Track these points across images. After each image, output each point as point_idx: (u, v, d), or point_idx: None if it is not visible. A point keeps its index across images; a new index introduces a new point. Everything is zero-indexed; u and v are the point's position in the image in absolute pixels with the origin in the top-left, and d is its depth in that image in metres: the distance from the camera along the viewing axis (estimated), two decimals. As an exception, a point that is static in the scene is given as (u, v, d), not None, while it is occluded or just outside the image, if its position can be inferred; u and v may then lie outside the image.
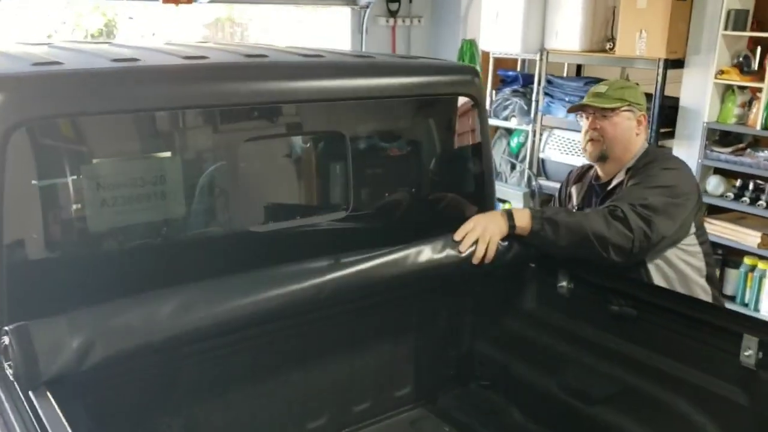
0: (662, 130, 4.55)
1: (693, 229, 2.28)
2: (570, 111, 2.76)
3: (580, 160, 4.98)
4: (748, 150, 4.22)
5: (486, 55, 5.58)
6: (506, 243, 2.08)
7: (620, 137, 2.36)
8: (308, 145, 2.02)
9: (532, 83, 5.13)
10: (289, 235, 1.89)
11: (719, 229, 4.26)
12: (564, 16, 4.85)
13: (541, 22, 5.01)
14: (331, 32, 5.80)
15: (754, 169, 4.09)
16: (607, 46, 4.74)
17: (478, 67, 5.63)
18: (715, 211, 4.39)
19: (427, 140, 2.28)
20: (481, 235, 2.01)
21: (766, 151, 4.11)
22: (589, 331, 2.16)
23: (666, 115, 4.53)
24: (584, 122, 2.43)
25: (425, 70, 2.22)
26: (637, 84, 2.72)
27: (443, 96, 2.20)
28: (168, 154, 1.73)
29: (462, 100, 2.23)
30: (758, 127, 4.04)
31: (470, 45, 5.69)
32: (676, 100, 4.53)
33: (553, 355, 2.25)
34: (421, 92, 2.14)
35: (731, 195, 4.30)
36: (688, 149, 4.40)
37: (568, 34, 4.84)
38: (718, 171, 4.42)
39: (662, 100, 4.41)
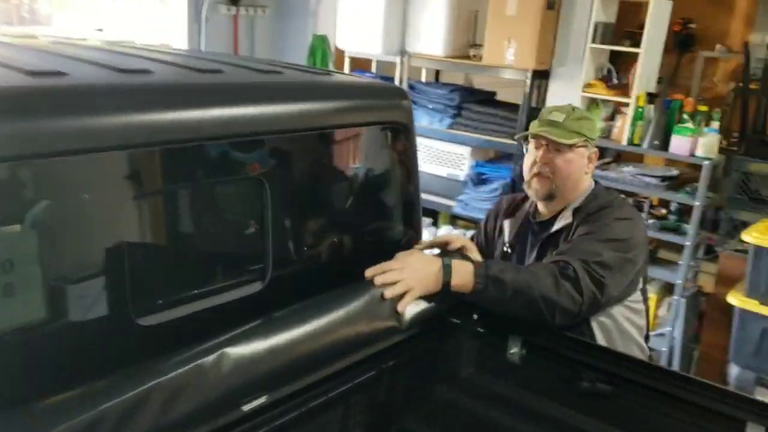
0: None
1: (640, 285, 2.07)
2: (518, 138, 2.45)
3: (445, 170, 4.87)
4: (613, 164, 4.24)
5: (340, 53, 5.17)
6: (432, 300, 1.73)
7: (572, 175, 2.08)
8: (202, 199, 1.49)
9: (392, 87, 4.78)
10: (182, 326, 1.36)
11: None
12: (427, 17, 4.56)
13: (402, 23, 4.70)
14: (161, 16, 5.05)
15: (618, 184, 4.10)
16: (471, 53, 4.55)
17: (331, 66, 5.23)
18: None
19: (351, 178, 1.81)
20: (401, 279, 1.66)
21: (630, 166, 4.15)
22: (551, 409, 1.85)
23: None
24: (531, 151, 2.11)
25: (346, 92, 1.76)
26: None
27: (369, 125, 1.77)
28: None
29: (389, 128, 1.81)
30: (624, 142, 4.06)
31: (322, 41, 5.23)
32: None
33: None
34: (342, 122, 1.69)
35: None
36: (553, 162, 4.31)
37: (431, 38, 4.56)
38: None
39: (529, 112, 4.30)
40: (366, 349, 1.55)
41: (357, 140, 1.76)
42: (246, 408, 1.29)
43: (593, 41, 4.06)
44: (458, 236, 2.16)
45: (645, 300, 2.13)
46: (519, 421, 1.89)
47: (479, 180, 4.59)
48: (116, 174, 1.22)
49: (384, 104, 1.79)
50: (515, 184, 4.30)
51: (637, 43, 3.98)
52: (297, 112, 1.55)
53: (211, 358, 1.22)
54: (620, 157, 4.37)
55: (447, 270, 1.74)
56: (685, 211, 4.02)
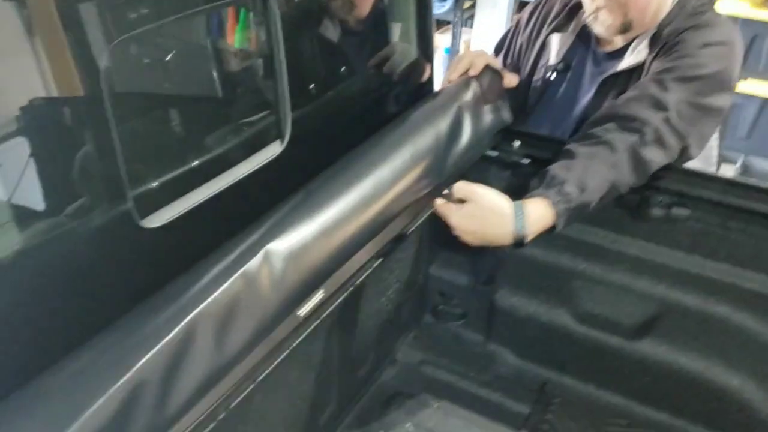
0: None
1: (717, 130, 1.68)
2: None
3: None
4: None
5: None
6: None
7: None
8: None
9: None
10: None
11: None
12: None
13: None
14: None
15: None
16: None
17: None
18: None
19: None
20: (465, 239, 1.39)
21: None
22: (616, 242, 1.70)
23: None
24: None
25: None
26: None
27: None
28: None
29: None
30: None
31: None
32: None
33: (563, 276, 1.77)
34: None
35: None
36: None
37: None
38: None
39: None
40: (413, 205, 1.37)
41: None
42: (302, 312, 1.15)
43: None
44: (478, 54, 1.66)
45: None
46: (578, 260, 1.76)
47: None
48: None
49: None
50: None
51: None
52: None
53: (256, 261, 0.99)
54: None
55: (519, 221, 1.36)
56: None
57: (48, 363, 0.82)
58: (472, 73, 1.61)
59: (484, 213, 1.38)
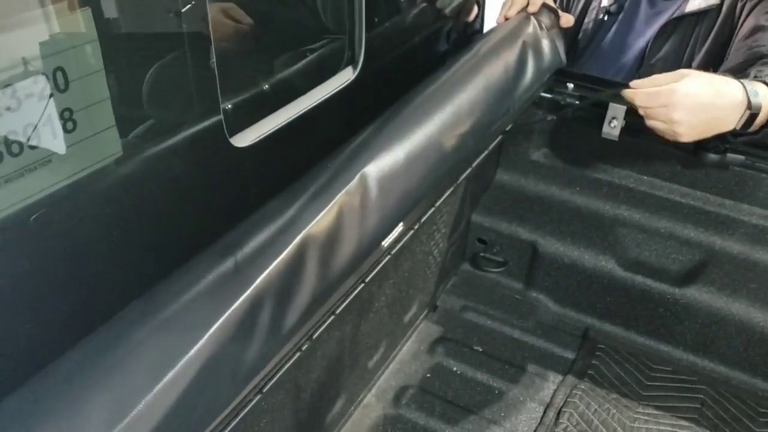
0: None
1: None
2: None
3: None
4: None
5: None
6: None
7: None
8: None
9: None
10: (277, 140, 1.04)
11: None
12: None
13: None
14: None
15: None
16: None
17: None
18: None
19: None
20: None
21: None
22: (661, 189, 1.68)
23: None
24: None
25: None
26: None
27: None
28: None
29: None
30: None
31: None
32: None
33: (607, 223, 1.76)
34: None
35: None
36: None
37: None
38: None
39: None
40: (491, 128, 1.33)
41: None
42: (386, 243, 1.11)
43: None
44: None
45: None
46: (623, 206, 1.74)
47: None
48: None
49: None
50: None
51: None
52: None
53: (354, 182, 0.93)
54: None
55: (750, 88, 1.23)
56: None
57: (149, 280, 0.79)
58: (531, 10, 1.56)
59: (704, 88, 1.25)
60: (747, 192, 1.61)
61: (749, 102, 1.25)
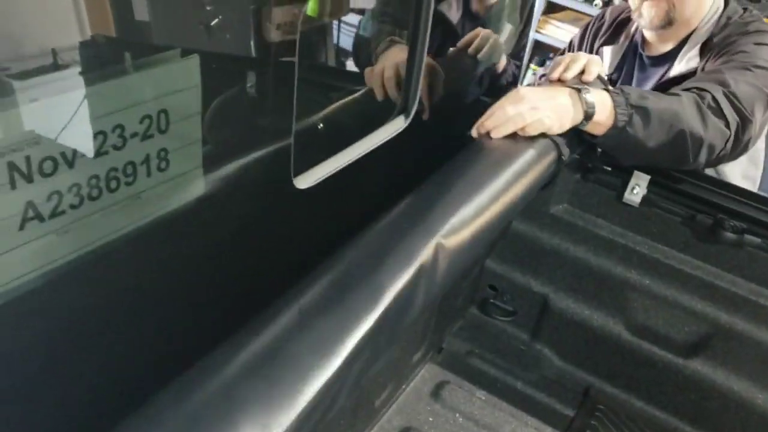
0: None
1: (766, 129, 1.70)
2: None
3: None
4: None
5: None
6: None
7: None
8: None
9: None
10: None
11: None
12: None
13: None
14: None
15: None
16: None
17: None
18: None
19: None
20: (536, 117, 1.31)
21: None
22: (675, 259, 1.72)
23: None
24: None
25: None
26: None
27: None
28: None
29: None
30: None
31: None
32: None
33: (618, 286, 1.79)
34: None
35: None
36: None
37: None
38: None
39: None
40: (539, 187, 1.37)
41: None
42: None
43: None
44: (593, 60, 1.55)
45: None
46: (635, 271, 1.77)
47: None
48: None
49: None
50: None
51: None
52: None
53: (431, 254, 0.94)
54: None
55: (589, 106, 1.34)
56: None
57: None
58: (586, 78, 1.53)
59: (552, 93, 1.35)
60: (758, 273, 1.64)
61: (582, 101, 1.35)
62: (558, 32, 3.90)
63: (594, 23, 1.97)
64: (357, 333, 0.77)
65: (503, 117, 1.31)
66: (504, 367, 1.90)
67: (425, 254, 0.93)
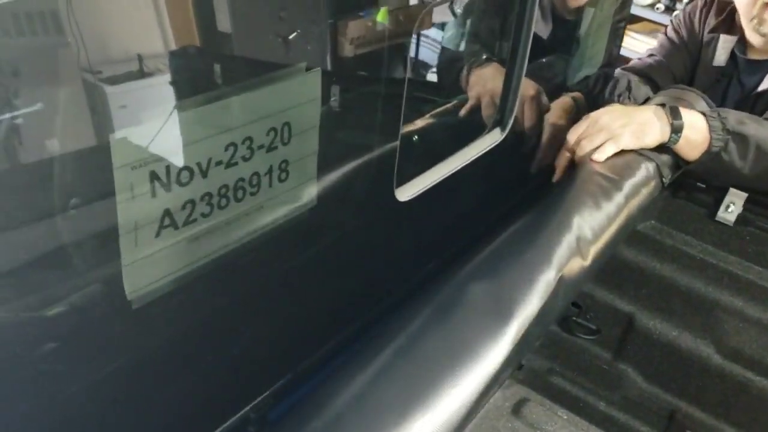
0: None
1: None
2: None
3: None
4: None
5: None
6: None
7: None
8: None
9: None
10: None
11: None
12: None
13: None
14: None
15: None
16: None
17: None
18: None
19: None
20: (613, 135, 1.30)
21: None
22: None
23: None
24: None
25: None
26: None
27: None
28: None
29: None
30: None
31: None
32: None
33: (708, 307, 1.72)
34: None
35: (661, 7, 3.86)
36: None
37: None
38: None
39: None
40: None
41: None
42: None
43: None
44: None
45: None
46: (726, 292, 1.70)
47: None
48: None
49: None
50: None
51: None
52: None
53: (550, 278, 0.96)
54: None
55: (676, 119, 1.31)
56: None
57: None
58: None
59: (640, 113, 1.34)
60: None
61: (667, 116, 1.32)
62: (635, 44, 3.83)
63: (703, 9, 1.83)
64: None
65: (595, 128, 1.29)
66: (586, 386, 1.86)
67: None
